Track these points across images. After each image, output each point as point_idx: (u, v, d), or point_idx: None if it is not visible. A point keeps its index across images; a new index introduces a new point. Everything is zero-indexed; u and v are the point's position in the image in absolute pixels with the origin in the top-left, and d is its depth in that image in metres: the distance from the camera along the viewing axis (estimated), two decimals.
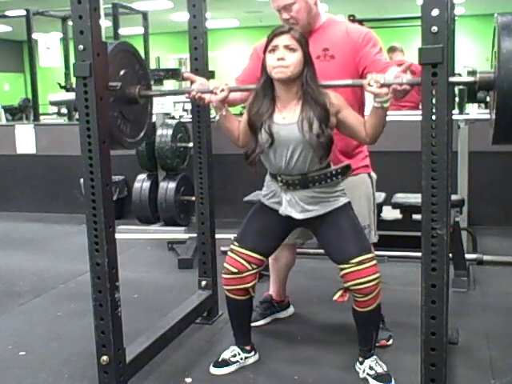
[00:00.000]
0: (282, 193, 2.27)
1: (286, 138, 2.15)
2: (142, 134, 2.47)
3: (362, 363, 2.31)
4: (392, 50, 6.42)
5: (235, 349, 2.45)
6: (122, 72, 2.27)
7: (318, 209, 2.25)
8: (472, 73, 6.70)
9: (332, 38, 2.47)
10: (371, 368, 2.27)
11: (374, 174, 2.64)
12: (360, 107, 2.52)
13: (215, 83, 2.22)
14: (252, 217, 2.40)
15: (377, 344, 2.48)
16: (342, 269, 2.21)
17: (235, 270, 2.32)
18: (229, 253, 2.37)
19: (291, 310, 2.97)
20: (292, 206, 2.25)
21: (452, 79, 1.81)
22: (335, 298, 2.26)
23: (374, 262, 2.22)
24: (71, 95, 2.08)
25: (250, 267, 2.32)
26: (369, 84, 1.99)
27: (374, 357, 2.32)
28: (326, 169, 2.22)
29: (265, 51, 2.15)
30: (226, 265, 2.36)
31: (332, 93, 2.18)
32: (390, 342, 2.59)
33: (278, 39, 2.11)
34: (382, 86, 1.98)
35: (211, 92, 2.21)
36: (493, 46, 1.87)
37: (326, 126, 2.12)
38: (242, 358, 2.43)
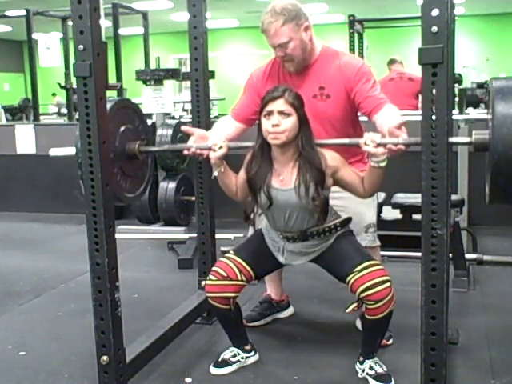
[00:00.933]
0: (283, 243, 2.33)
1: (285, 202, 2.21)
2: (141, 189, 2.50)
3: (362, 363, 2.31)
4: (391, 62, 6.47)
5: (235, 349, 2.45)
6: (122, 128, 2.32)
7: (318, 249, 2.31)
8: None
9: (327, 75, 2.47)
10: (371, 368, 2.27)
11: None
12: (355, 126, 2.56)
13: (214, 139, 2.22)
14: (253, 238, 2.45)
15: None
16: (349, 281, 2.19)
17: (225, 274, 2.31)
18: (221, 258, 2.38)
19: (291, 309, 2.97)
20: (292, 255, 2.33)
21: (451, 140, 1.83)
22: (348, 310, 2.23)
23: (381, 267, 2.21)
24: (72, 150, 2.11)
25: (239, 277, 2.31)
26: (365, 143, 2.00)
27: (375, 357, 2.32)
28: (326, 224, 2.26)
29: (260, 113, 2.17)
30: (216, 268, 2.34)
31: (329, 153, 2.20)
32: (390, 341, 2.59)
33: (273, 104, 2.13)
34: (379, 145, 1.99)
35: (210, 149, 2.22)
36: (489, 107, 1.92)
37: (322, 188, 2.16)
38: (242, 358, 2.43)
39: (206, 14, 2.69)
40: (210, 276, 2.35)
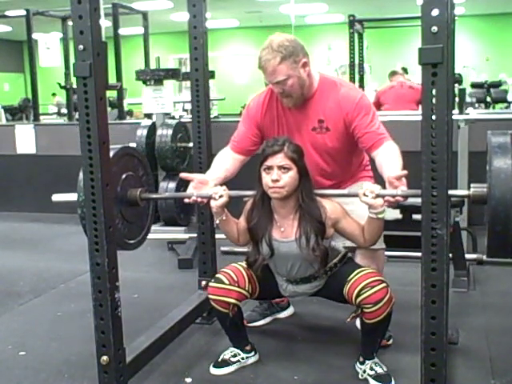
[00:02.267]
0: (286, 284, 2.37)
1: (286, 253, 2.24)
2: (140, 237, 2.51)
3: (362, 363, 2.31)
4: (392, 74, 6.49)
5: (235, 349, 2.45)
6: (124, 175, 2.34)
7: (320, 284, 2.35)
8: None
9: (326, 108, 2.44)
10: (371, 368, 2.27)
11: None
12: (357, 153, 2.56)
13: (214, 188, 2.23)
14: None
15: None
16: (345, 293, 2.23)
17: (235, 278, 2.32)
18: (234, 264, 2.38)
19: (291, 309, 2.97)
20: (296, 294, 2.39)
21: (450, 192, 1.84)
22: (348, 320, 2.27)
23: (375, 270, 2.27)
24: (74, 196, 2.13)
25: (247, 286, 2.34)
26: (364, 194, 2.03)
27: (375, 358, 2.32)
28: (327, 265, 2.29)
29: (260, 165, 2.19)
30: (227, 270, 2.35)
31: (330, 204, 2.23)
32: (390, 341, 2.59)
33: (272, 159, 2.15)
34: (377, 196, 2.02)
35: (210, 197, 2.23)
36: (487, 162, 1.92)
37: (322, 239, 2.18)
38: (242, 358, 2.43)
39: (206, 14, 2.69)
40: (220, 276, 2.34)
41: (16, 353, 2.65)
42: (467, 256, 3.42)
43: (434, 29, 1.71)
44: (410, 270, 3.31)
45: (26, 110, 9.58)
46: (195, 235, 2.97)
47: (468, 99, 5.72)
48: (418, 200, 1.83)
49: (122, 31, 6.81)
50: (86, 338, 2.40)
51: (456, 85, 6.46)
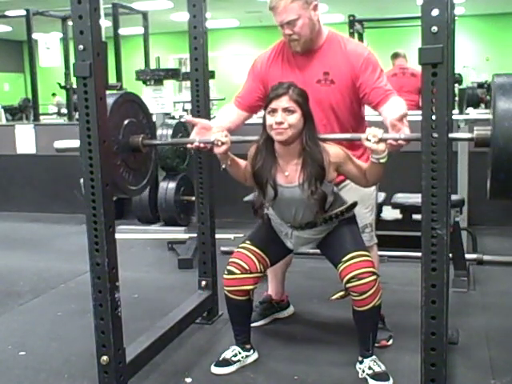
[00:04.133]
0: (291, 230, 2.37)
1: (290, 198, 2.24)
2: (144, 182, 2.51)
3: (361, 363, 2.32)
4: (395, 56, 6.44)
5: (236, 348, 2.45)
6: (125, 121, 2.33)
7: (324, 234, 2.36)
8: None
9: (332, 60, 2.44)
10: (370, 368, 2.28)
11: None
12: (359, 121, 2.56)
13: (216, 135, 2.22)
14: (263, 225, 2.44)
15: (377, 344, 2.48)
16: (338, 269, 2.26)
17: (247, 267, 2.34)
18: (238, 249, 2.40)
19: (291, 309, 2.97)
20: (299, 241, 2.38)
21: (451, 135, 1.84)
22: (333, 297, 2.30)
23: (368, 258, 2.26)
24: (76, 143, 2.12)
25: (258, 267, 2.35)
26: (367, 139, 2.02)
27: (373, 357, 2.32)
28: (332, 211, 2.30)
29: (265, 108, 2.19)
30: (236, 260, 2.36)
31: (333, 149, 2.22)
32: (390, 342, 2.59)
33: (277, 102, 2.15)
34: (380, 140, 2.00)
35: (212, 143, 2.23)
36: (490, 103, 1.93)
37: (321, 184, 2.19)
38: (242, 357, 2.43)
39: (206, 14, 2.69)
40: (231, 268, 2.36)
41: (16, 353, 2.65)
42: (467, 256, 3.42)
43: (434, 29, 1.71)
44: (410, 270, 3.32)
45: (26, 110, 9.58)
46: (195, 235, 2.97)
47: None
48: (418, 200, 1.83)
49: (122, 31, 6.82)
50: (85, 338, 2.40)
51: (456, 85, 6.47)
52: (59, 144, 2.42)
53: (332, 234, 2.35)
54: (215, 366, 2.41)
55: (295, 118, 2.15)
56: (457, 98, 5.61)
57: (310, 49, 2.45)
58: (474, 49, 12.77)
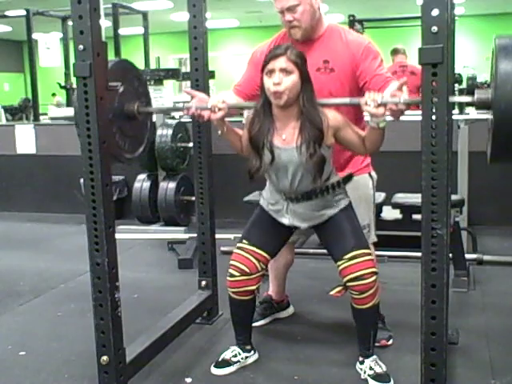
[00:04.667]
0: (286, 203, 2.32)
1: (287, 161, 2.21)
2: (140, 150, 2.50)
3: (362, 363, 2.32)
4: (394, 52, 6.43)
5: (236, 349, 2.45)
6: (121, 89, 2.29)
7: (322, 214, 2.30)
8: (472, 79, 6.71)
9: (332, 49, 2.44)
10: (371, 368, 2.28)
11: (374, 174, 2.64)
12: (357, 115, 2.50)
13: (213, 101, 2.22)
14: (257, 217, 2.43)
15: (377, 344, 2.49)
16: (339, 265, 2.25)
17: (247, 270, 2.33)
18: (236, 250, 2.38)
19: (291, 309, 2.97)
20: (296, 216, 2.31)
21: (452, 99, 1.83)
22: (332, 292, 2.30)
23: (370, 257, 2.24)
24: (71, 111, 2.10)
25: (259, 267, 2.35)
26: (366, 103, 2.00)
27: (374, 357, 2.32)
28: (329, 181, 2.27)
29: (262, 71, 2.16)
30: (235, 263, 2.35)
31: (331, 112, 2.20)
32: (390, 342, 2.59)
33: (275, 62, 2.12)
34: (380, 105, 1.98)
35: (209, 110, 2.22)
36: (491, 66, 1.89)
37: (320, 146, 2.16)
38: (242, 358, 2.43)
39: (206, 14, 2.69)
40: (232, 271, 2.35)
41: (16, 353, 2.65)
42: (467, 256, 3.42)
43: (434, 29, 1.71)
44: (410, 270, 3.31)
45: (26, 110, 9.58)
46: (195, 235, 2.97)
47: None
48: (418, 200, 1.83)
49: (121, 31, 6.82)
50: (86, 338, 2.40)
51: (456, 85, 6.46)
52: (54, 113, 2.42)
53: (332, 224, 2.31)
54: (215, 366, 2.41)
55: (293, 79, 2.12)
56: None
57: (310, 37, 2.44)
58: (473, 49, 12.77)
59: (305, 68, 2.16)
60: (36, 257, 4.29)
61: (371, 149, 2.20)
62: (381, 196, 3.49)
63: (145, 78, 2.54)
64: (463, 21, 10.45)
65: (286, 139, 2.20)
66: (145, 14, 7.10)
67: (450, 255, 2.16)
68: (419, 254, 1.85)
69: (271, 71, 2.13)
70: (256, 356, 2.48)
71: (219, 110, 2.20)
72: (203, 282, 2.90)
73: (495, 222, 4.48)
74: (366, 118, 2.26)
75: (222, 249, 3.68)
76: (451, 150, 1.90)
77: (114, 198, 4.79)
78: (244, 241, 2.39)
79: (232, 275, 2.35)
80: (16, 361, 2.57)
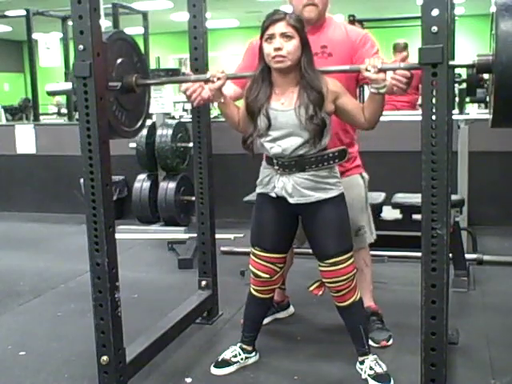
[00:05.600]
0: (278, 176, 2.25)
1: (284, 123, 2.17)
2: (139, 124, 2.46)
3: (362, 363, 2.32)
4: (394, 48, 6.40)
5: (236, 349, 2.45)
6: (119, 60, 2.26)
7: (313, 194, 2.22)
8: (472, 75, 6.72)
9: (331, 36, 2.49)
10: (371, 368, 2.28)
11: (365, 174, 2.65)
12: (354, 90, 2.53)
13: (212, 72, 2.21)
14: (258, 217, 2.38)
15: (377, 345, 2.50)
16: (319, 266, 2.28)
17: (267, 276, 2.35)
18: (252, 257, 2.37)
19: (291, 309, 2.97)
20: (287, 189, 2.23)
21: (451, 62, 1.81)
22: (311, 288, 2.35)
23: (350, 261, 2.26)
24: (68, 85, 2.07)
25: (277, 269, 2.36)
26: (366, 69, 1.99)
27: (374, 356, 2.32)
28: (323, 151, 2.22)
29: (261, 38, 2.14)
30: (254, 270, 2.36)
31: (331, 79, 2.19)
32: (390, 342, 2.59)
33: (274, 27, 2.09)
34: (380, 71, 1.98)
35: (208, 80, 2.19)
36: (491, 28, 1.85)
37: (320, 110, 2.13)
38: (242, 359, 2.43)
39: (206, 14, 2.69)
40: (254, 274, 2.37)
41: (16, 353, 2.65)
42: (467, 256, 3.42)
43: (434, 29, 1.71)
44: (410, 270, 3.31)
45: (26, 110, 9.57)
46: (195, 235, 2.97)
47: None
48: (418, 200, 1.83)
49: None
50: (86, 338, 2.40)
51: (456, 85, 6.45)
52: (50, 87, 2.39)
53: (319, 216, 2.24)
54: (214, 366, 2.41)
55: (293, 44, 2.09)
56: (457, 98, 5.59)
57: (315, 22, 2.47)
58: (473, 49, 12.77)
59: (304, 33, 2.14)
60: (36, 257, 4.29)
61: (371, 119, 2.16)
62: (381, 196, 3.49)
63: (143, 54, 2.49)
64: (463, 21, 10.46)
65: (285, 103, 2.17)
66: (145, 14, 7.09)
67: (450, 255, 2.16)
68: (419, 254, 1.85)
69: (271, 37, 2.10)
70: (257, 357, 2.48)
71: (218, 79, 2.16)
72: (203, 282, 2.90)
73: (495, 222, 4.48)
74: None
75: (222, 249, 3.69)
76: (451, 150, 1.90)
77: (114, 198, 4.80)
78: (256, 248, 2.36)
79: (255, 275, 2.37)
80: (16, 361, 2.58)
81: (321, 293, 2.35)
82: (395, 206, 3.48)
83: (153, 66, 6.13)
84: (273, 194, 2.27)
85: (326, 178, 2.23)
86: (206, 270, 2.90)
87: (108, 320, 2.09)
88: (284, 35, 2.09)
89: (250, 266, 2.39)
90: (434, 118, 1.75)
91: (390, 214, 3.60)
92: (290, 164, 2.21)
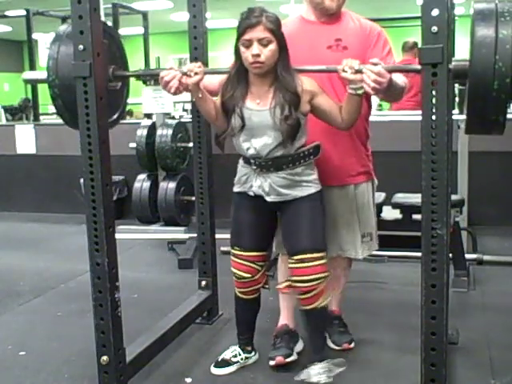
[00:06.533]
0: (256, 175, 2.24)
1: (259, 123, 2.15)
2: (115, 117, 2.41)
3: (309, 367, 2.28)
4: (403, 48, 6.37)
5: (236, 349, 2.45)
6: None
7: (289, 193, 2.21)
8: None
9: (346, 29, 2.39)
10: (315, 374, 2.25)
11: (375, 180, 2.57)
12: (367, 103, 2.43)
13: (189, 65, 2.15)
14: (237, 217, 2.36)
15: (338, 347, 2.50)
16: (289, 261, 2.25)
17: (248, 275, 2.32)
18: (232, 257, 2.35)
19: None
20: (264, 188, 2.22)
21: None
22: (280, 286, 2.33)
23: (320, 262, 2.19)
24: (43, 74, 2.05)
25: (258, 267, 2.33)
26: (343, 70, 1.96)
27: (325, 365, 2.27)
28: (299, 149, 2.20)
29: (238, 39, 2.09)
30: (235, 271, 2.34)
31: (307, 79, 2.16)
32: (352, 345, 2.56)
33: (252, 33, 2.04)
34: (357, 72, 1.94)
35: (185, 74, 2.13)
36: (470, 33, 1.85)
37: (296, 110, 2.11)
38: (242, 359, 2.43)
39: (206, 14, 2.69)
40: (236, 275, 2.34)
41: (16, 353, 2.65)
42: (467, 256, 3.42)
43: (434, 29, 1.71)
44: (410, 270, 3.31)
45: (26, 110, 9.57)
46: (195, 235, 2.97)
47: None
48: (418, 200, 1.83)
49: (122, 31, 6.80)
50: (86, 338, 2.39)
51: (456, 85, 6.44)
52: (27, 75, 2.36)
53: (294, 212, 2.23)
54: (214, 366, 2.41)
55: (271, 49, 2.06)
56: (457, 98, 5.60)
57: (331, 15, 2.37)
58: None
59: (281, 33, 2.09)
60: (36, 257, 4.29)
61: (348, 120, 2.14)
62: (381, 196, 3.49)
63: (123, 44, 2.44)
64: (463, 21, 10.46)
65: (261, 103, 2.15)
66: (145, 14, 7.08)
67: (450, 255, 2.16)
68: (419, 254, 1.85)
69: (249, 42, 2.06)
70: (256, 357, 2.48)
71: (195, 74, 2.10)
72: (203, 282, 2.90)
73: (495, 222, 4.48)
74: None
75: (222, 249, 3.68)
76: (451, 150, 1.90)
77: (114, 198, 4.80)
78: (236, 247, 2.34)
79: (237, 277, 2.35)
80: (16, 361, 2.57)
81: (288, 292, 2.31)
82: (395, 206, 3.48)
83: (153, 66, 6.13)
84: (251, 193, 2.26)
85: (302, 176, 2.22)
86: (205, 270, 2.90)
87: (108, 320, 2.09)
88: (262, 41, 2.05)
89: (232, 268, 2.36)
90: (434, 118, 1.75)
91: (389, 213, 3.60)
92: (266, 164, 2.20)
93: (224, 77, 2.23)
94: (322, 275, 2.20)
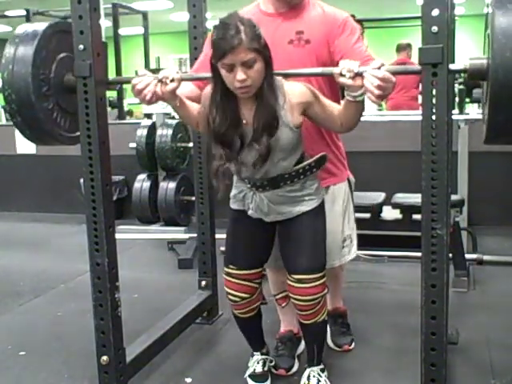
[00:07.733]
0: (252, 193, 2.07)
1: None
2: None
3: (305, 371, 2.25)
4: (397, 48, 6.40)
5: (260, 358, 2.34)
6: (59, 56, 2.04)
7: (291, 209, 2.05)
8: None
9: (307, 19, 2.15)
10: (308, 378, 2.22)
11: (352, 178, 2.41)
12: (334, 93, 2.22)
13: (165, 72, 1.92)
14: (233, 232, 2.20)
15: (340, 349, 2.49)
16: (287, 279, 2.10)
17: (246, 295, 2.16)
18: (227, 277, 2.17)
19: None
20: (263, 208, 2.05)
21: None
22: (277, 296, 2.28)
23: (320, 282, 2.05)
24: None
25: (255, 285, 2.17)
26: (341, 74, 1.74)
27: (320, 367, 2.24)
28: (298, 165, 2.01)
29: (217, 60, 1.81)
30: (230, 291, 2.16)
31: (299, 86, 1.93)
32: (352, 346, 2.56)
33: (233, 57, 1.76)
34: (357, 75, 1.73)
35: (160, 81, 1.91)
36: (486, 27, 1.72)
37: (269, 136, 1.88)
38: (270, 361, 2.36)
39: (206, 14, 2.69)
40: (231, 298, 2.18)
41: (16, 353, 2.65)
42: (467, 256, 3.42)
43: (434, 29, 1.71)
44: (410, 270, 3.31)
45: None
46: (195, 235, 2.97)
47: None
48: (418, 200, 1.82)
49: (122, 31, 6.81)
50: (86, 338, 2.39)
51: (456, 85, 6.45)
52: None
53: (294, 227, 2.06)
54: (254, 381, 2.29)
55: (257, 69, 1.80)
56: (457, 98, 5.60)
57: (294, 5, 2.16)
58: (473, 49, 12.77)
59: (263, 46, 1.82)
60: (36, 257, 4.29)
61: (347, 125, 1.93)
62: (381, 196, 3.49)
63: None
64: (463, 21, 10.46)
65: (247, 122, 1.93)
66: (145, 14, 7.09)
67: (450, 255, 2.16)
68: (419, 254, 1.84)
69: (232, 66, 1.79)
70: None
71: (171, 81, 1.88)
72: (203, 282, 2.90)
73: (495, 222, 4.48)
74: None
75: (222, 249, 3.67)
76: (451, 150, 1.89)
77: (114, 198, 4.80)
78: (231, 266, 2.15)
79: (233, 300, 2.18)
80: (16, 361, 2.58)
81: (284, 304, 2.26)
82: (395, 206, 3.49)
83: (153, 66, 6.14)
84: (249, 212, 2.10)
85: (304, 190, 2.04)
86: (205, 270, 2.90)
87: (108, 320, 2.09)
88: (246, 63, 1.78)
89: (226, 288, 2.17)
90: (434, 117, 1.75)
91: (390, 213, 3.60)
92: (262, 184, 2.02)
93: (207, 91, 1.97)
94: (321, 294, 2.07)
